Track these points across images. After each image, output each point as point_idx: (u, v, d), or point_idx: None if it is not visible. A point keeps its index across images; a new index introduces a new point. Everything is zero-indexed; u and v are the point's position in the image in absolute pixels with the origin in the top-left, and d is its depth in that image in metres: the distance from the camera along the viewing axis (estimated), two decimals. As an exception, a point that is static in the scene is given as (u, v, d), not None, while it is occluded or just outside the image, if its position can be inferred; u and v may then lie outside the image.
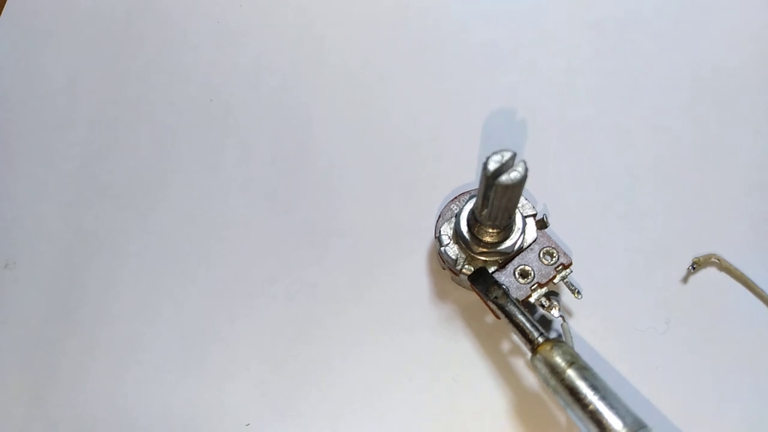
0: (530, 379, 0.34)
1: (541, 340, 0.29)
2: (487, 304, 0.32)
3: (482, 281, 0.32)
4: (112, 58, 0.44)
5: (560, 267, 0.33)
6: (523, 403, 0.33)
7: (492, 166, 0.27)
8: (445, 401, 0.34)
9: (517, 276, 0.33)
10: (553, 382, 0.28)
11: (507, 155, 0.27)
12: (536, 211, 0.34)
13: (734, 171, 0.37)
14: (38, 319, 0.37)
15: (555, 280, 0.33)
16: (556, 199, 0.37)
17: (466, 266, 0.33)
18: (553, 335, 0.34)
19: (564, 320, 0.33)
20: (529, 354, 0.30)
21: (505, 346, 0.34)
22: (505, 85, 0.41)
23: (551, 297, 0.33)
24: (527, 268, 0.33)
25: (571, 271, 0.33)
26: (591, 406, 0.27)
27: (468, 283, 0.33)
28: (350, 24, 0.43)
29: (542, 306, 0.33)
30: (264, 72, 0.42)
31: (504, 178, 0.27)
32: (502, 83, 0.41)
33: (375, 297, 0.36)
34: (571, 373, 0.28)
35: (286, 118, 0.41)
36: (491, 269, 0.33)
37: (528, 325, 0.30)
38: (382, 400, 0.34)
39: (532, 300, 0.32)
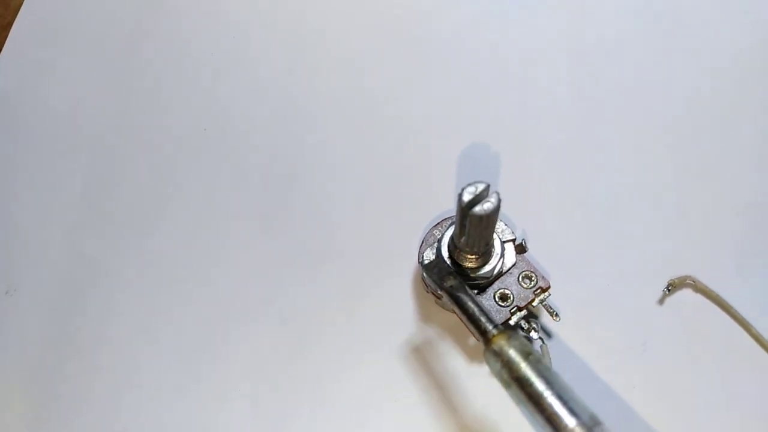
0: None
1: (495, 331, 0.28)
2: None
3: (437, 270, 0.32)
4: (112, 87, 0.45)
5: (539, 290, 0.34)
6: (510, 421, 0.34)
7: (466, 197, 0.28)
8: (430, 421, 0.35)
9: (497, 299, 0.34)
10: (505, 376, 0.27)
11: (481, 187, 0.28)
12: (515, 236, 0.35)
13: (710, 194, 0.38)
14: (38, 344, 0.38)
15: (534, 303, 0.34)
16: (537, 222, 0.38)
17: (448, 290, 0.34)
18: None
19: (543, 342, 0.34)
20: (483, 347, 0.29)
21: (486, 367, 0.35)
22: (489, 110, 0.42)
23: (530, 320, 0.34)
24: (507, 291, 0.34)
25: (550, 294, 0.34)
26: (544, 402, 0.26)
27: (450, 307, 0.34)
28: (340, 54, 0.45)
29: (522, 329, 0.34)
30: (256, 101, 0.44)
31: (477, 209, 0.28)
32: (485, 109, 0.42)
33: (363, 319, 0.37)
34: (525, 367, 0.27)
35: (278, 146, 0.42)
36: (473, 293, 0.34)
37: (481, 316, 0.29)
38: (371, 419, 0.35)
39: (511, 323, 0.33)
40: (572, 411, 0.26)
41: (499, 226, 0.35)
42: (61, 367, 0.38)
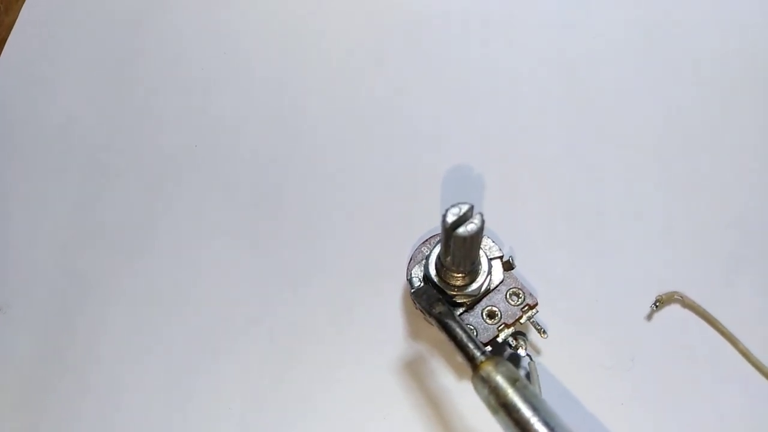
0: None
1: (482, 358, 0.29)
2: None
3: (426, 297, 0.33)
4: (103, 104, 0.46)
5: (526, 307, 0.34)
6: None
7: (450, 218, 0.29)
8: (420, 437, 0.35)
9: (484, 317, 0.34)
10: (493, 402, 0.28)
11: (464, 208, 0.29)
12: (502, 253, 0.35)
13: (697, 209, 0.39)
14: (30, 362, 0.38)
15: (521, 320, 0.34)
16: (524, 239, 0.38)
17: (436, 308, 0.34)
18: (521, 372, 0.35)
19: (531, 359, 0.34)
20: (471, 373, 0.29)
21: (476, 384, 0.35)
22: (476, 126, 0.42)
23: (518, 336, 0.34)
24: (494, 309, 0.34)
25: (537, 311, 0.34)
26: (531, 428, 0.26)
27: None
28: (329, 74, 0.45)
29: (510, 346, 0.34)
30: (246, 119, 0.44)
31: (461, 230, 0.28)
32: (473, 123, 0.42)
33: (352, 336, 0.37)
34: (512, 393, 0.27)
35: (268, 163, 0.42)
36: (460, 310, 0.34)
37: (469, 343, 0.29)
38: (360, 437, 0.35)
39: (500, 340, 0.34)
40: None
41: (487, 243, 0.35)
42: (53, 384, 0.38)
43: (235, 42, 0.47)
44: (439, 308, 0.32)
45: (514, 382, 0.28)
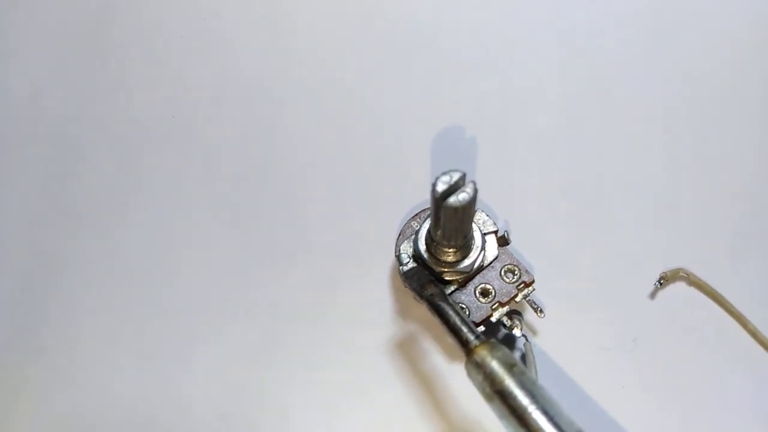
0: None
1: (476, 342, 0.27)
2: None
3: (417, 278, 0.31)
4: (73, 74, 0.43)
5: (522, 285, 0.32)
6: (493, 420, 0.32)
7: (440, 187, 0.26)
8: (411, 421, 0.33)
9: (477, 295, 0.32)
10: (488, 389, 0.26)
11: (456, 176, 0.26)
12: (497, 227, 0.33)
13: (704, 183, 0.36)
14: (-4, 345, 0.36)
15: (517, 299, 0.32)
16: (521, 213, 0.36)
17: (426, 286, 0.32)
18: (517, 354, 0.33)
19: (527, 339, 0.32)
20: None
21: (468, 366, 0.33)
22: (472, 94, 0.40)
23: (513, 316, 0.32)
24: (488, 286, 0.32)
25: (534, 289, 0.32)
26: (529, 417, 0.25)
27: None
28: (315, 39, 0.42)
29: (504, 326, 0.32)
30: (227, 87, 0.41)
31: (452, 200, 0.26)
32: (468, 93, 0.40)
33: (337, 316, 0.35)
34: (508, 379, 0.26)
35: (249, 135, 0.40)
36: (452, 288, 0.32)
37: (462, 326, 0.28)
38: (345, 421, 0.33)
39: (493, 319, 0.32)
40: (558, 427, 0.24)
41: (480, 217, 0.33)
42: (22, 368, 0.36)
43: (216, 8, 0.44)
44: (431, 290, 0.30)
45: (510, 367, 0.26)
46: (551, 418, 0.25)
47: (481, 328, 0.31)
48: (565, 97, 0.39)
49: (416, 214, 0.34)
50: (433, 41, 0.41)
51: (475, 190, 0.26)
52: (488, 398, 0.26)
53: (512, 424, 0.25)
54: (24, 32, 0.45)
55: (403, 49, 0.41)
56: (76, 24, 0.44)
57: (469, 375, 0.27)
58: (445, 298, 0.29)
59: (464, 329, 0.28)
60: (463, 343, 0.28)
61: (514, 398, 0.25)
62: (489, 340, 0.27)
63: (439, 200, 0.26)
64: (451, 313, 0.29)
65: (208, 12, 0.44)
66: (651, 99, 0.39)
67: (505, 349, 0.27)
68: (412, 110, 0.39)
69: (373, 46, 0.42)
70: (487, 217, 0.33)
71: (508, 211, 0.36)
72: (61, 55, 0.44)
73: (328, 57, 0.42)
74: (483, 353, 0.27)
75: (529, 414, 0.25)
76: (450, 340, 0.28)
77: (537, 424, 0.25)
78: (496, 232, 0.33)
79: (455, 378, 0.33)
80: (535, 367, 0.31)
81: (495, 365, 0.26)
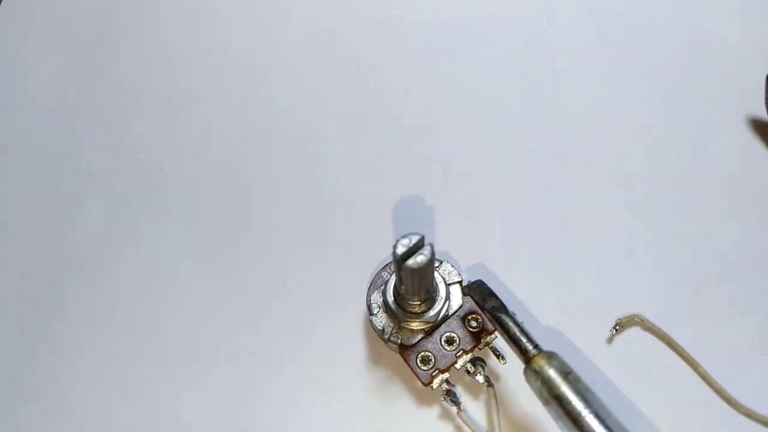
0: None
1: (535, 351, 0.30)
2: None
3: (479, 291, 0.33)
4: (65, 126, 0.45)
5: (484, 333, 0.34)
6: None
7: (400, 249, 0.28)
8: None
9: (443, 343, 0.34)
10: (545, 393, 0.29)
11: (414, 239, 0.28)
12: (462, 277, 0.35)
13: (658, 231, 0.39)
14: (-12, 391, 0.38)
15: (479, 347, 0.34)
16: (486, 260, 0.38)
17: (394, 335, 0.34)
18: (481, 399, 0.35)
19: (490, 385, 0.34)
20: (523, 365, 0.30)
21: (435, 410, 0.35)
22: (441, 146, 0.42)
23: (477, 363, 0.34)
24: (452, 335, 0.34)
25: (496, 337, 0.34)
26: (582, 420, 0.27)
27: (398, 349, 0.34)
28: (294, 94, 0.45)
29: (468, 372, 0.34)
30: (210, 141, 0.44)
31: (410, 262, 0.28)
32: (437, 145, 0.42)
33: (313, 360, 0.37)
34: (564, 385, 0.28)
35: (230, 185, 0.42)
36: (418, 337, 0.34)
37: (522, 336, 0.31)
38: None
39: (457, 366, 0.33)
40: (609, 429, 0.27)
41: (446, 267, 0.35)
42: (10, 414, 0.37)
43: (199, 63, 0.47)
44: (492, 302, 0.32)
45: (566, 375, 0.29)
46: (603, 421, 0.27)
47: (447, 375, 0.33)
48: (526, 148, 0.41)
49: (386, 265, 0.36)
50: (405, 95, 0.44)
51: (432, 253, 0.28)
52: (545, 402, 0.29)
53: (568, 426, 0.28)
54: (16, 82, 0.47)
55: (377, 103, 0.44)
56: (67, 75, 0.47)
57: (528, 381, 0.30)
58: (505, 310, 0.32)
59: (523, 339, 0.30)
60: (523, 352, 0.30)
61: (569, 402, 0.28)
62: (546, 351, 0.30)
63: (399, 261, 0.29)
64: (511, 324, 0.31)
65: (192, 66, 0.47)
66: (609, 149, 0.41)
67: (561, 359, 0.30)
68: (385, 163, 0.42)
69: (346, 99, 0.44)
70: (452, 268, 0.35)
71: (476, 258, 0.38)
72: (52, 108, 0.46)
73: (307, 112, 0.44)
74: (541, 362, 0.29)
75: (584, 418, 0.27)
76: (511, 348, 0.31)
77: (590, 426, 0.27)
78: (461, 282, 0.35)
79: (423, 421, 0.35)
80: (497, 411, 0.33)
81: (552, 373, 0.29)
